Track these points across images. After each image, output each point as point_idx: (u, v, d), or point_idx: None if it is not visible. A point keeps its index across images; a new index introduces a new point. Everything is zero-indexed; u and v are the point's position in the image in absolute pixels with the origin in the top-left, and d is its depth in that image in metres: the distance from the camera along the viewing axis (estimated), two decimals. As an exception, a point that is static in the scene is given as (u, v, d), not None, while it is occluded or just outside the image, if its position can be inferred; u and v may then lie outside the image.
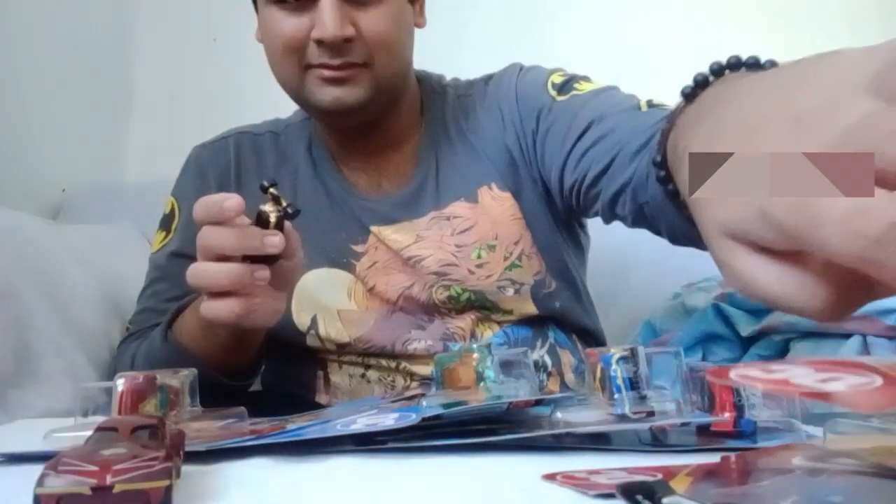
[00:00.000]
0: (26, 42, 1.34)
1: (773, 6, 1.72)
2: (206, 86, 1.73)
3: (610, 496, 0.33)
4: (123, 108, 1.71)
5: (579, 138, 0.75)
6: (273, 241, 0.59)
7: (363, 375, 0.84)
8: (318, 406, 0.83)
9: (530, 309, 0.84)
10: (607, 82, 0.83)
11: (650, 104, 0.74)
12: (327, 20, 0.71)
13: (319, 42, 0.73)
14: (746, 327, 1.13)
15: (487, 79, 0.91)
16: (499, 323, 0.84)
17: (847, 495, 0.32)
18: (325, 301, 0.83)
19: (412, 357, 0.82)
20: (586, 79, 0.84)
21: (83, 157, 1.56)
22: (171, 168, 1.62)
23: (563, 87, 0.82)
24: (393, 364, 0.83)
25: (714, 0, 1.73)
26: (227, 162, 0.90)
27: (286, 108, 0.92)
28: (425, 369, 0.82)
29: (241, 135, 0.94)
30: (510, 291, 0.83)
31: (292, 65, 0.76)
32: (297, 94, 0.80)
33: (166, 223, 0.89)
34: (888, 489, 0.33)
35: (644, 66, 1.72)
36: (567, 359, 0.87)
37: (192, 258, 0.77)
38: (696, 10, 1.72)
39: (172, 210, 0.90)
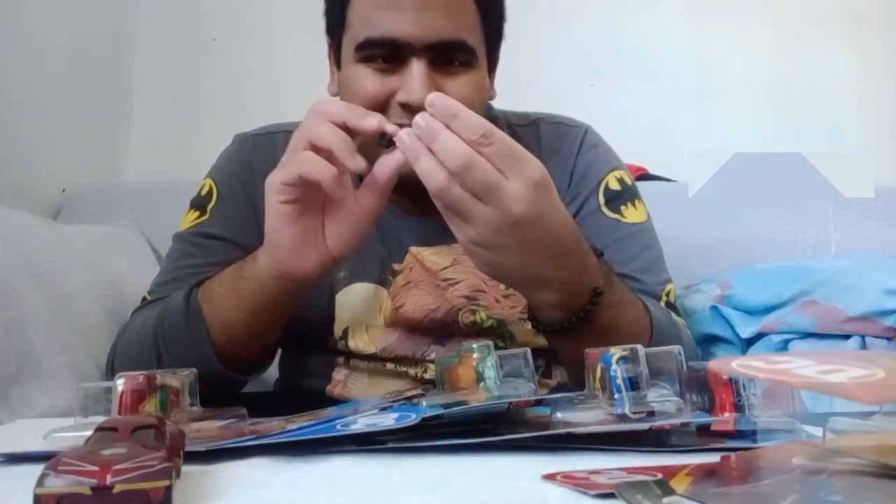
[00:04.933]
0: (26, 42, 1.34)
1: (774, 7, 1.72)
2: (206, 86, 1.73)
3: (610, 496, 0.33)
4: (123, 108, 1.71)
5: None
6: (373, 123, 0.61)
7: (381, 362, 0.86)
8: (325, 399, 0.83)
9: (542, 342, 0.85)
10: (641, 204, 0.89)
11: (668, 302, 0.82)
12: (417, 87, 0.73)
13: (404, 105, 0.75)
14: (746, 328, 1.13)
15: (543, 120, 0.92)
16: None
17: (847, 495, 0.32)
18: (359, 316, 0.86)
19: (431, 362, 0.85)
20: (636, 200, 0.88)
21: (83, 157, 1.56)
22: (171, 168, 1.64)
23: (613, 201, 0.87)
24: (411, 363, 0.86)
25: (716, 2, 1.73)
26: (273, 158, 0.88)
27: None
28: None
29: (289, 133, 0.92)
30: (528, 324, 0.84)
31: None
32: (370, 152, 0.81)
33: (201, 203, 0.87)
34: (888, 488, 0.33)
35: (643, 67, 1.72)
36: (559, 372, 0.89)
37: (225, 240, 0.78)
38: (696, 10, 1.73)
39: (210, 192, 0.88)
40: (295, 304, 0.73)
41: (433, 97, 0.57)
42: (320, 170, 0.60)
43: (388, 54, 0.75)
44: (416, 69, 0.74)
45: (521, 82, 1.54)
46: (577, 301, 0.64)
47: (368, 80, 0.76)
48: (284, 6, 1.65)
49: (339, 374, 0.87)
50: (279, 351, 0.97)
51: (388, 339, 0.85)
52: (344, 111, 0.62)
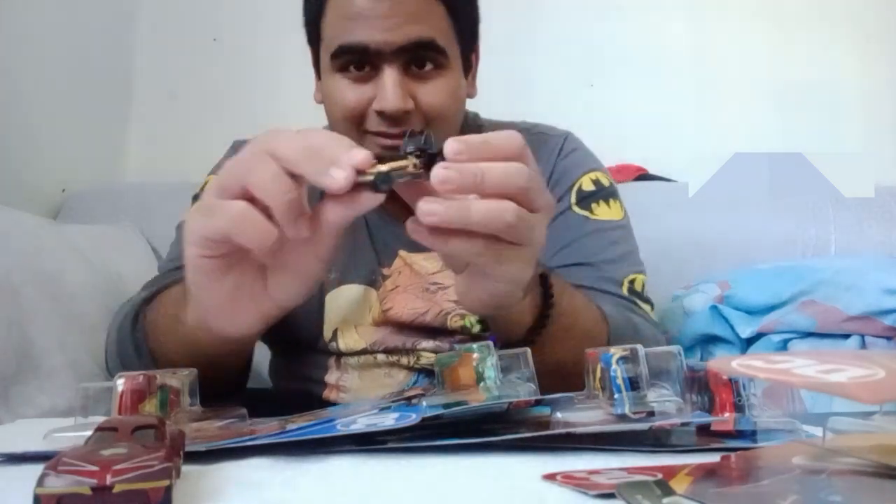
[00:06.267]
0: (27, 42, 1.34)
1: (774, 7, 1.72)
2: (206, 86, 1.73)
3: (610, 496, 0.33)
4: (123, 108, 1.72)
5: (559, 266, 0.82)
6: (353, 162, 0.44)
7: (372, 354, 0.86)
8: (322, 402, 0.83)
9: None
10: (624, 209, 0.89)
11: (631, 287, 0.82)
12: (389, 94, 0.75)
13: (380, 113, 0.76)
14: (745, 328, 1.13)
15: (527, 131, 0.92)
16: None
17: (847, 495, 0.32)
18: (349, 317, 0.86)
19: (423, 350, 0.85)
20: (610, 200, 0.88)
21: (83, 157, 1.56)
22: (171, 168, 1.64)
23: (584, 200, 0.87)
24: (403, 353, 0.86)
25: (716, 2, 1.73)
26: None
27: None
28: (430, 357, 0.84)
29: None
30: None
31: (352, 130, 0.79)
32: None
33: None
34: (888, 489, 0.33)
35: (643, 66, 1.72)
36: None
37: None
38: (696, 10, 1.73)
39: None
40: (247, 353, 0.66)
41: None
42: (255, 237, 0.46)
43: (360, 61, 0.76)
44: (389, 76, 0.75)
45: (521, 82, 1.54)
46: (538, 290, 0.61)
47: (346, 90, 0.78)
48: (284, 6, 1.65)
49: (331, 377, 0.87)
50: (271, 356, 0.97)
51: (378, 334, 0.85)
52: (302, 161, 0.46)
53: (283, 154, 0.46)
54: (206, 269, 0.51)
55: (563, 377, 0.54)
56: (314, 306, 0.85)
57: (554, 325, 0.62)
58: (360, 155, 0.45)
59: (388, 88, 0.75)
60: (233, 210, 0.47)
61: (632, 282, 0.83)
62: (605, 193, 0.88)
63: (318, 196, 0.48)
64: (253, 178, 0.47)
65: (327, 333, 0.86)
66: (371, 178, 0.46)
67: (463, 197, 0.46)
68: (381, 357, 0.85)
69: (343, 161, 0.45)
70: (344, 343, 0.85)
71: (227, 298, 0.52)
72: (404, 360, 0.85)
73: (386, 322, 0.85)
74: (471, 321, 0.84)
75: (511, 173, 0.47)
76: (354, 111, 0.77)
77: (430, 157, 0.46)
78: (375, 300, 0.86)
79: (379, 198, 0.47)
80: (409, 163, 0.46)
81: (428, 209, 0.46)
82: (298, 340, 0.87)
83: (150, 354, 0.66)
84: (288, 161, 0.46)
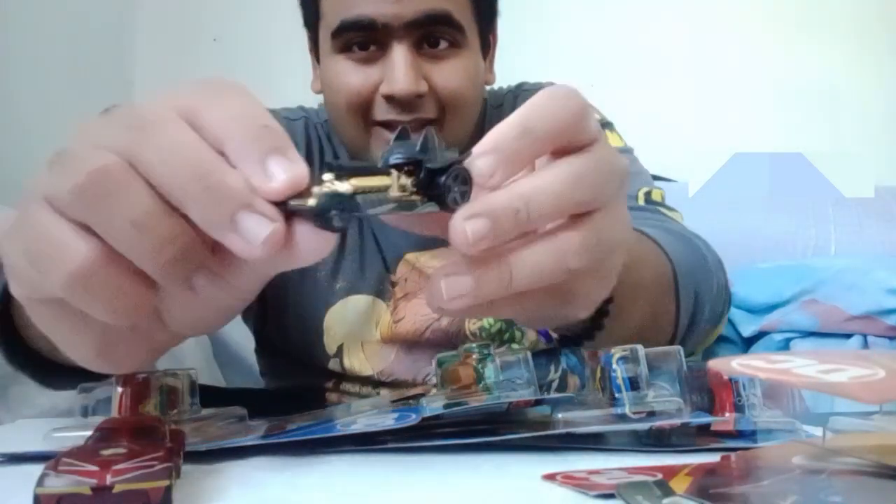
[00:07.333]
0: (26, 42, 1.34)
1: (775, 9, 1.72)
2: (206, 86, 1.74)
3: (610, 496, 0.33)
4: (123, 108, 1.72)
5: None
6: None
7: (375, 387, 0.83)
8: (322, 406, 0.82)
9: (543, 344, 0.83)
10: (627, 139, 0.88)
11: (648, 198, 0.74)
12: (399, 75, 0.66)
13: (389, 98, 0.68)
14: (747, 327, 1.13)
15: (517, 92, 0.88)
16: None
17: (847, 495, 0.32)
18: (355, 331, 0.80)
19: (434, 386, 0.82)
20: (605, 129, 0.82)
21: (83, 157, 1.56)
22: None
23: None
24: (411, 388, 0.82)
25: (716, 2, 1.73)
26: None
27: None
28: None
29: (290, 121, 0.86)
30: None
31: (356, 121, 0.72)
32: (360, 152, 0.75)
33: None
34: (888, 489, 0.33)
35: (643, 67, 1.72)
36: (574, 381, 0.86)
37: None
38: (696, 10, 1.73)
39: None
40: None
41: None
42: (109, 310, 0.28)
43: (365, 39, 0.68)
44: (398, 54, 0.66)
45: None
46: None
47: (349, 73, 0.69)
48: (284, 6, 1.65)
49: (331, 397, 0.83)
50: (259, 362, 0.93)
51: (386, 358, 0.80)
52: (186, 193, 0.26)
53: (158, 173, 0.26)
54: (48, 315, 0.32)
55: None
56: (317, 320, 0.79)
57: (622, 299, 0.49)
58: (286, 174, 0.26)
59: (398, 68, 0.66)
60: (68, 260, 0.27)
61: (647, 193, 0.75)
62: (601, 124, 0.82)
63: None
64: (107, 218, 0.27)
65: (331, 348, 0.80)
66: (314, 202, 0.26)
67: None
68: (384, 393, 0.80)
69: (256, 201, 0.26)
70: (349, 362, 0.80)
71: (94, 341, 0.33)
72: (411, 401, 0.81)
73: (395, 338, 0.80)
74: (489, 321, 0.79)
75: (573, 186, 0.31)
76: (359, 97, 0.69)
77: (430, 175, 0.29)
78: (385, 311, 0.80)
79: (329, 240, 0.28)
80: (393, 181, 0.28)
81: (455, 290, 0.32)
82: (299, 357, 0.81)
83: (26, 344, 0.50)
84: (168, 186, 0.27)
